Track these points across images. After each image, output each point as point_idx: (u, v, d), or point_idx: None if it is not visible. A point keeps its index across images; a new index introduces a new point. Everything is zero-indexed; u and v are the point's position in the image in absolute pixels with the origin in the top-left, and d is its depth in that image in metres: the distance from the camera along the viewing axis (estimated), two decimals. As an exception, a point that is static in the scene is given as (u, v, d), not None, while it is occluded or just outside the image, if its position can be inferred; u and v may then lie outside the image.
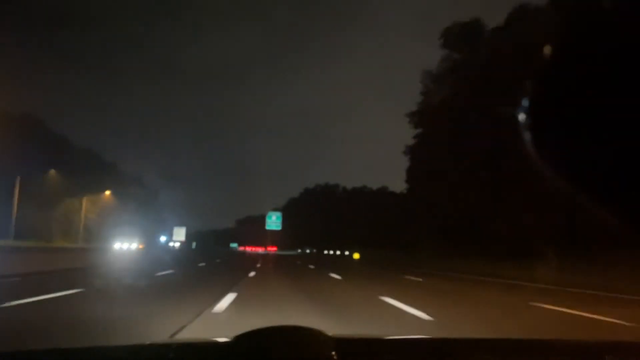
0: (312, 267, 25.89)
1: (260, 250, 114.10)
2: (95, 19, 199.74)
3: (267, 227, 69.76)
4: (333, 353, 1.14)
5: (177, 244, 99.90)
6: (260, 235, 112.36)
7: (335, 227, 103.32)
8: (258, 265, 25.19)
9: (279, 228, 70.10)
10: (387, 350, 1.47)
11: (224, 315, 6.04)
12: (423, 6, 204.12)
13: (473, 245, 31.95)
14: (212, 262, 29.05)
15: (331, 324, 5.45)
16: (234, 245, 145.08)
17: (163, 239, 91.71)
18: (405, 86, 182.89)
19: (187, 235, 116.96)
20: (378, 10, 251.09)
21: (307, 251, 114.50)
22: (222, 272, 17.66)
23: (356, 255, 56.55)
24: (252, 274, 15.85)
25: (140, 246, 53.55)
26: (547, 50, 1.36)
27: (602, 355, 1.34)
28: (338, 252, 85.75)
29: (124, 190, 65.28)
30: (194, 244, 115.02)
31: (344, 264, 33.34)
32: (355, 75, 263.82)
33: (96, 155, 68.90)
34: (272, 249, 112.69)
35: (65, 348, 1.39)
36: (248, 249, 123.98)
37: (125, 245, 50.74)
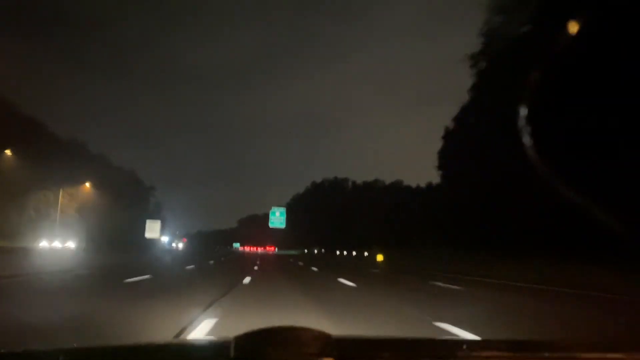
0: (352, 284, 14.94)
1: (259, 250, 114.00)
2: (101, 19, 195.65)
3: (271, 225, 64.25)
4: (332, 353, 1.12)
5: (180, 245, 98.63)
6: (262, 234, 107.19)
7: (345, 224, 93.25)
8: (249, 279, 14.35)
9: (283, 225, 64.63)
10: (386, 350, 1.44)
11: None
12: (425, 4, 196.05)
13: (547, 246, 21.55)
14: (183, 269, 18.99)
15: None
16: (236, 245, 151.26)
17: (165, 238, 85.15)
18: (411, 81, 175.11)
19: (188, 236, 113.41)
20: (383, 7, 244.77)
21: (315, 251, 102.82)
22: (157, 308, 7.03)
23: (380, 257, 45.93)
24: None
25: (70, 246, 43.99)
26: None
27: (604, 352, 1.34)
28: (354, 253, 74.47)
29: (113, 185, 59.81)
30: (180, 244, 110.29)
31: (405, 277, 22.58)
32: (358, 73, 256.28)
33: (81, 146, 61.99)
34: (271, 249, 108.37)
35: (67, 348, 1.34)
36: (247, 249, 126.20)
37: (56, 244, 41.41)
